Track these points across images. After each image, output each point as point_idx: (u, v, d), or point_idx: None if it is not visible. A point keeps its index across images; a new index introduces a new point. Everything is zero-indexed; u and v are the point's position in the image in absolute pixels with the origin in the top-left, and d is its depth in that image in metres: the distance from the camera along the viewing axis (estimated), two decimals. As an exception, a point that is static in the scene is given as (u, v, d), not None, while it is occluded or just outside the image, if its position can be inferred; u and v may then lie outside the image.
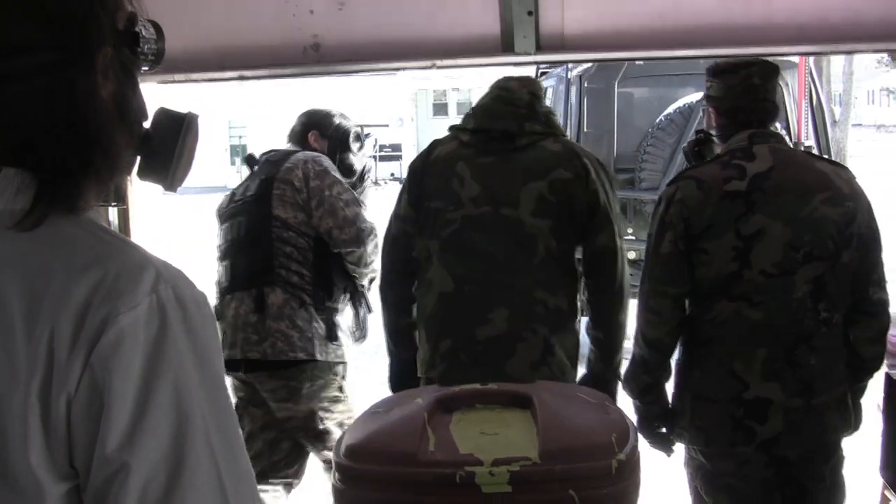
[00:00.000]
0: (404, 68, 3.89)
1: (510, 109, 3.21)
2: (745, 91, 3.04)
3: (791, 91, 8.46)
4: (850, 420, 3.03)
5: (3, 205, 1.08)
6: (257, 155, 4.11)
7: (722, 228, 2.90)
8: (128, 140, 1.18)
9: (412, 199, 3.28)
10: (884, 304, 3.01)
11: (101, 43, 1.12)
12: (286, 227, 3.77)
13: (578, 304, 3.24)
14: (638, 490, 2.46)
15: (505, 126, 3.17)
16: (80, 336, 1.01)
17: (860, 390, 3.11)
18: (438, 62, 3.66)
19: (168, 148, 1.26)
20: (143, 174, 1.28)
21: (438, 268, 3.14)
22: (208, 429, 1.06)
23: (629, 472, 2.39)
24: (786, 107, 8.47)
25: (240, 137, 37.68)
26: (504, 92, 3.27)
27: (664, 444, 3.19)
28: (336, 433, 3.71)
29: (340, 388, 3.89)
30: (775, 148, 2.99)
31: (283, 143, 4.19)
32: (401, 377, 3.37)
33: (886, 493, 3.72)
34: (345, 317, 3.94)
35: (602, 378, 3.22)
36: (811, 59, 8.45)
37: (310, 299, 3.78)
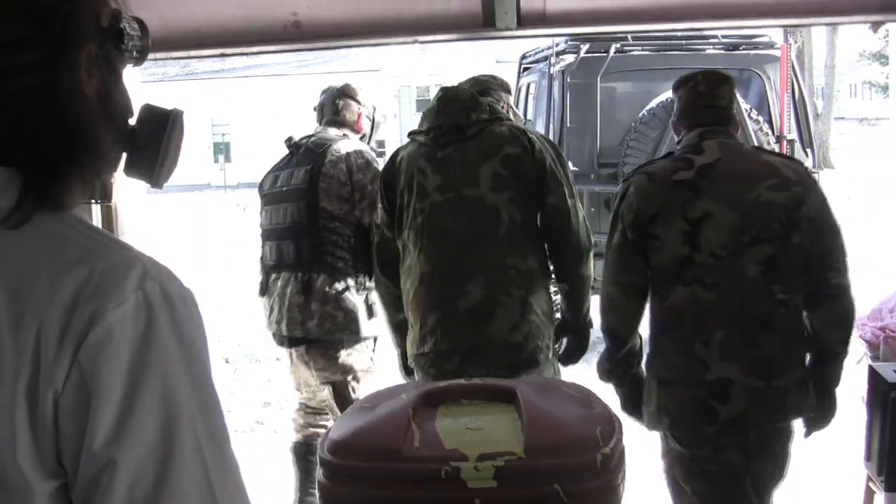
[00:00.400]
0: (385, 44, 3.95)
1: (455, 104, 3.48)
2: (692, 97, 3.22)
3: (773, 85, 8.51)
4: (810, 401, 3.09)
5: (-12, 203, 1.07)
6: (296, 137, 4.31)
7: (670, 215, 3.04)
8: (113, 137, 1.18)
9: (386, 205, 3.58)
10: (843, 288, 3.07)
11: (85, 40, 1.11)
12: (332, 217, 4.05)
13: (549, 264, 3.50)
14: (623, 483, 2.47)
15: (454, 120, 3.44)
16: (67, 333, 1.01)
17: (831, 378, 3.13)
18: (420, 38, 3.70)
19: (154, 145, 1.25)
20: (128, 171, 1.27)
21: (415, 253, 3.41)
22: (196, 424, 1.06)
23: (614, 465, 2.40)
24: (768, 100, 8.52)
25: (223, 135, 37.46)
26: (448, 92, 3.57)
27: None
28: None
29: (371, 359, 4.23)
30: (724, 143, 3.14)
31: (313, 121, 4.43)
32: (407, 367, 3.65)
33: (871, 484, 3.74)
34: None
35: (575, 324, 3.59)
36: (793, 52, 8.46)
37: (353, 282, 4.06)
